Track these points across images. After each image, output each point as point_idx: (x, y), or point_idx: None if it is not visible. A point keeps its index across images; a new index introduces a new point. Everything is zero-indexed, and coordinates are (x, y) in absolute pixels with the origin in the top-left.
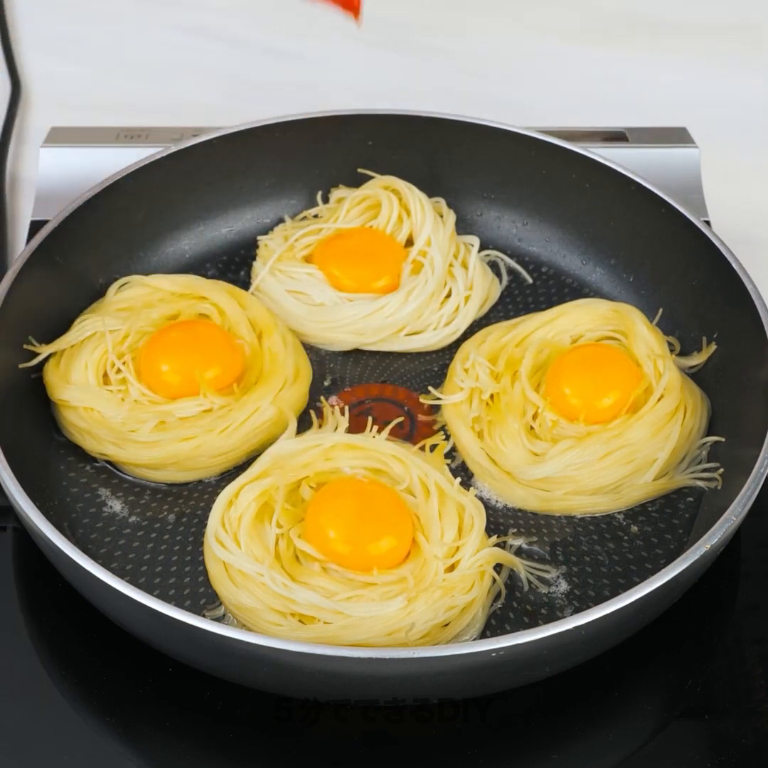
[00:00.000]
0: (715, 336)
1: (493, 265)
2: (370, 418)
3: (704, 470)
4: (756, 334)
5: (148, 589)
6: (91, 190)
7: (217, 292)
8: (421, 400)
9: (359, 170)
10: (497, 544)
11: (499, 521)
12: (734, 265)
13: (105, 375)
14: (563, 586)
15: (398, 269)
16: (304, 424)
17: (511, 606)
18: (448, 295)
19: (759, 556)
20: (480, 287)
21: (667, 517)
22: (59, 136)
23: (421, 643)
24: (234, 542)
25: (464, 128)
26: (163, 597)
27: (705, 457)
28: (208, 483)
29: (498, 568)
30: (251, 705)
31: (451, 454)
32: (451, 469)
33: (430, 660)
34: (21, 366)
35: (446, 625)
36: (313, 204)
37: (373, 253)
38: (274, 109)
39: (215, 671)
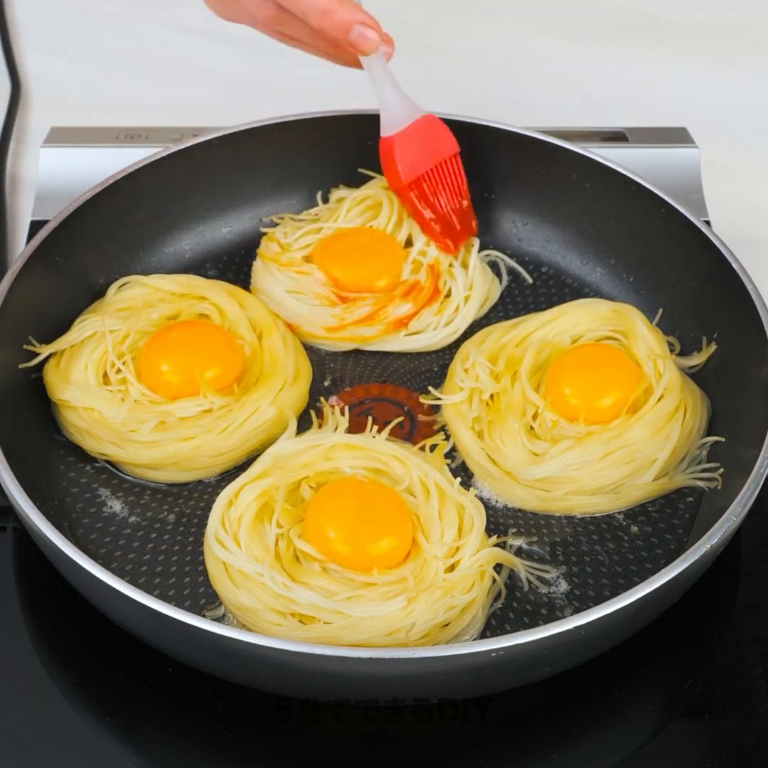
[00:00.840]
0: (715, 336)
1: (493, 265)
2: (370, 418)
3: (704, 470)
4: (756, 334)
5: (148, 589)
6: (91, 190)
7: (217, 292)
8: (421, 400)
9: (359, 170)
10: (497, 544)
11: (499, 521)
12: (734, 265)
13: (105, 375)
14: (563, 586)
15: (398, 269)
16: (304, 424)
17: (511, 606)
18: (448, 295)
19: (759, 556)
20: (480, 287)
21: (667, 517)
22: (59, 136)
23: (421, 643)
24: (234, 542)
25: (464, 128)
26: (163, 597)
27: (705, 457)
28: (208, 483)
29: (498, 568)
30: (251, 705)
31: (451, 454)
32: (451, 469)
33: (430, 660)
34: (21, 366)
35: (446, 625)
36: (313, 204)
37: (373, 253)
38: (274, 109)
39: (215, 671)
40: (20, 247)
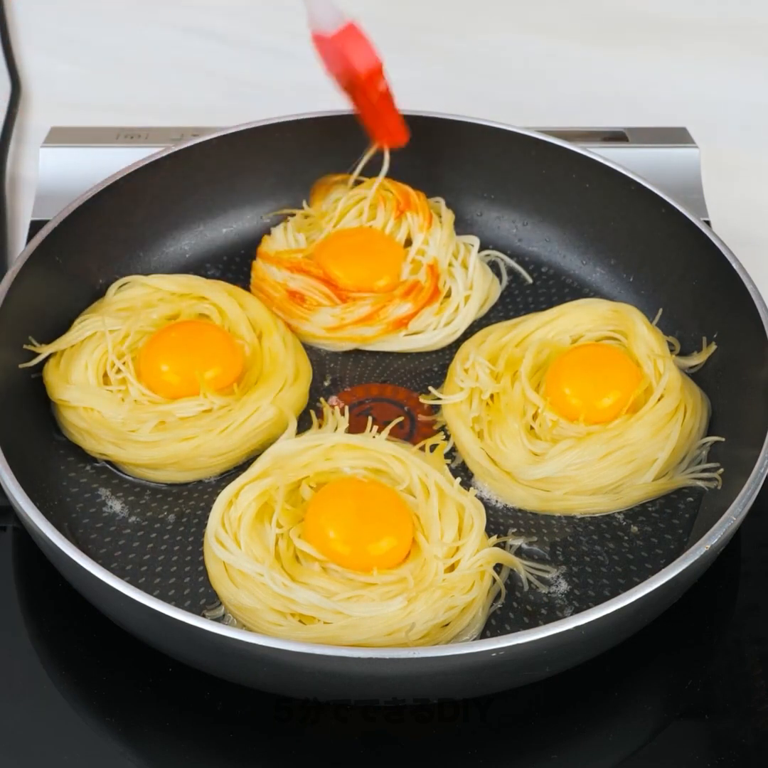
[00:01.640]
0: (715, 336)
1: (493, 265)
2: (370, 418)
3: (704, 470)
4: (756, 334)
5: (148, 589)
6: (91, 190)
7: (217, 292)
8: (421, 400)
9: (357, 178)
10: (497, 544)
11: (499, 521)
12: (734, 265)
13: (105, 375)
14: (563, 586)
15: (398, 269)
16: (304, 424)
17: (511, 606)
18: (448, 295)
19: (759, 556)
20: (480, 287)
21: (667, 517)
22: (59, 136)
23: (421, 643)
24: (234, 542)
25: (464, 128)
26: (163, 597)
27: (705, 457)
28: (208, 483)
29: (498, 568)
30: (251, 705)
31: (451, 454)
32: (451, 469)
33: (430, 660)
34: (21, 366)
35: (446, 625)
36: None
37: (373, 253)
38: (274, 109)
39: (215, 671)
40: (20, 247)
